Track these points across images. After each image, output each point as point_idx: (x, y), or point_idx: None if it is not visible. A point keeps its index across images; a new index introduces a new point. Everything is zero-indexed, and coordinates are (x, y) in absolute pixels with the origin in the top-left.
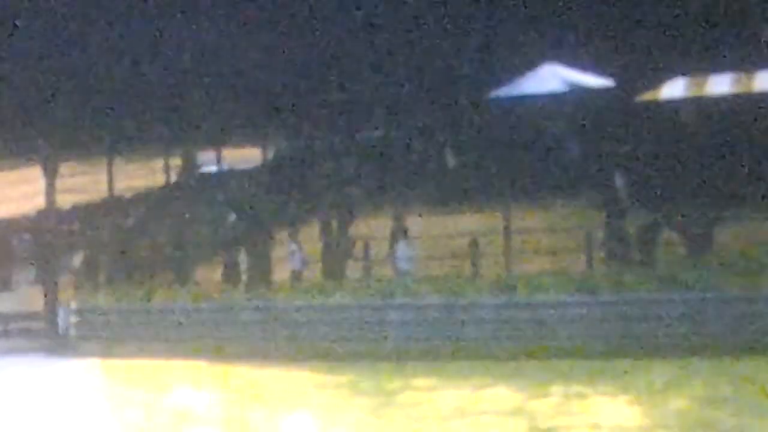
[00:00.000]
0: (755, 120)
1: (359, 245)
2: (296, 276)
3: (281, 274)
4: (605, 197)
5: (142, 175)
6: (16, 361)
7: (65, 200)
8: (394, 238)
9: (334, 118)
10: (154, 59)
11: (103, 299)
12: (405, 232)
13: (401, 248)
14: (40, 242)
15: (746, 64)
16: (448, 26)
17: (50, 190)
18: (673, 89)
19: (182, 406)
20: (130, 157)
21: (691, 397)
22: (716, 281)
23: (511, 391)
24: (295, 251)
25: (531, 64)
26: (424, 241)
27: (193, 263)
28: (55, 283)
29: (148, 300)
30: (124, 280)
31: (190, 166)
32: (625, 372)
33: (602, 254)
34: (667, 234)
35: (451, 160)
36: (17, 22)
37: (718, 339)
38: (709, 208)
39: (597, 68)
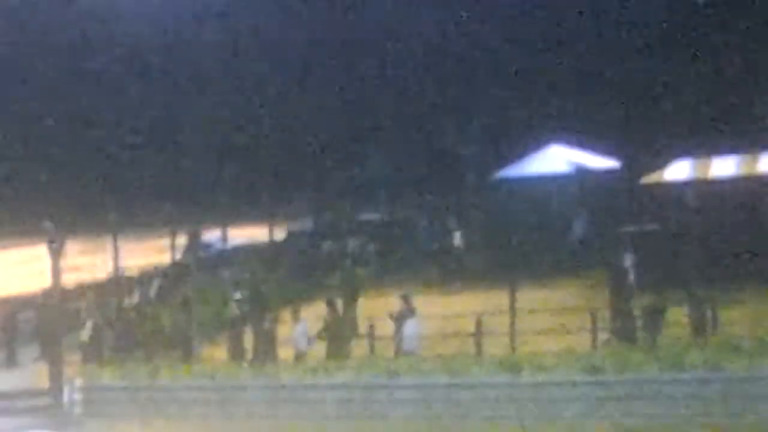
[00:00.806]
0: (759, 201)
1: (364, 324)
2: (301, 354)
3: (286, 352)
4: (610, 277)
5: (147, 253)
6: None
7: (71, 279)
8: (399, 317)
9: (339, 197)
10: (160, 138)
11: (108, 376)
12: (411, 311)
13: (407, 327)
14: (45, 320)
15: (750, 147)
16: (455, 107)
17: (56, 269)
18: (678, 171)
19: None
20: (136, 236)
21: None
22: (721, 361)
23: None
24: (300, 330)
25: (537, 146)
26: (430, 320)
27: (198, 341)
28: (61, 361)
29: (153, 377)
30: (129, 357)
31: (195, 244)
32: None
33: (607, 334)
34: (672, 314)
35: (456, 240)
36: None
37: (722, 420)
38: (714, 289)
39: (603, 150)
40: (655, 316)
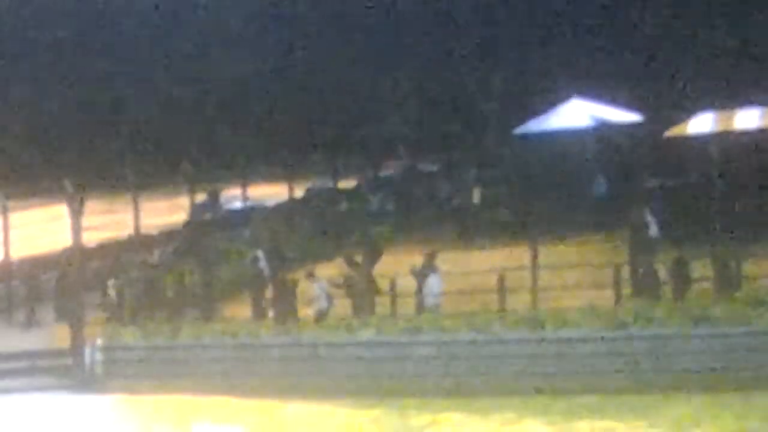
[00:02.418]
0: None
1: (386, 281)
2: (322, 312)
3: (308, 310)
4: (633, 232)
5: (167, 212)
6: (43, 398)
7: (91, 238)
8: (421, 274)
9: (358, 155)
10: (181, 97)
11: (129, 336)
12: (433, 267)
13: (429, 284)
14: (65, 280)
15: None
16: (475, 63)
17: (76, 228)
18: (701, 123)
19: None
20: (156, 195)
21: (721, 431)
22: (746, 315)
23: (538, 426)
24: (321, 288)
25: (558, 99)
26: (451, 276)
27: (219, 300)
28: (81, 321)
29: (175, 337)
30: (150, 317)
31: (215, 203)
32: (655, 406)
33: (630, 290)
34: (696, 269)
35: (477, 196)
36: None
37: (747, 373)
38: (738, 243)
39: (624, 103)
40: (682, 269)
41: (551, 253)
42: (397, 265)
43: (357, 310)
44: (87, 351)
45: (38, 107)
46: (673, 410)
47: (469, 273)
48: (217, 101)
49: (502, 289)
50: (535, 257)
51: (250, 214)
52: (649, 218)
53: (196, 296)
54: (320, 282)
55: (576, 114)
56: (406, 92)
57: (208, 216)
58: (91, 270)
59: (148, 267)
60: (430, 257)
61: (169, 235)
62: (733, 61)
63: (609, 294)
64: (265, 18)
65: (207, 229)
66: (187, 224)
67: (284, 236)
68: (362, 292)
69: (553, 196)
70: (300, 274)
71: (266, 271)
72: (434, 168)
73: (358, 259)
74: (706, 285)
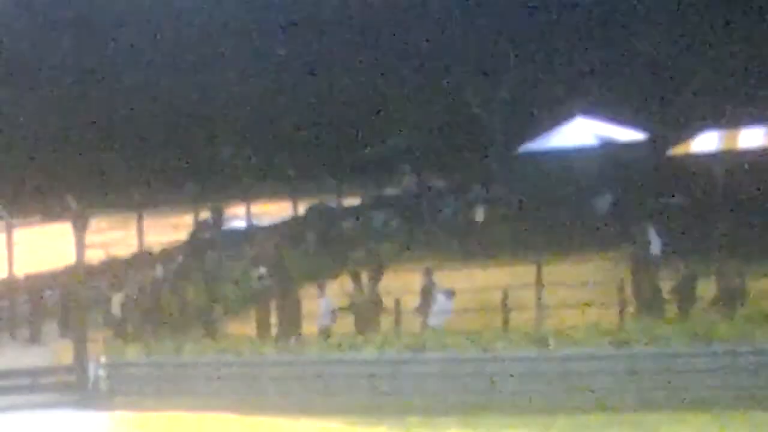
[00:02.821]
0: None
1: (390, 299)
2: (326, 330)
3: (311, 327)
4: (637, 251)
5: (171, 230)
6: (47, 415)
7: (95, 255)
8: (425, 292)
9: (362, 172)
10: (185, 114)
11: (132, 353)
12: (436, 286)
13: (432, 302)
14: (69, 297)
15: None
16: (479, 80)
17: (80, 245)
18: (706, 143)
19: None
20: (160, 213)
21: None
22: (751, 333)
23: None
24: (325, 305)
25: (562, 118)
26: (456, 294)
27: (222, 317)
28: (85, 337)
29: (178, 354)
30: (154, 333)
31: (218, 220)
32: (659, 425)
33: (634, 308)
34: (700, 287)
35: (481, 214)
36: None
37: (751, 392)
38: (742, 261)
39: (629, 122)
40: (687, 287)
41: (555, 270)
42: (401, 283)
43: (361, 327)
44: (91, 368)
45: (43, 124)
46: (677, 429)
47: (473, 291)
48: (221, 119)
49: (506, 306)
50: (539, 275)
51: (254, 231)
52: (653, 236)
53: (199, 313)
54: (325, 299)
55: (580, 132)
56: (410, 110)
57: (208, 234)
58: (95, 287)
59: (151, 284)
60: (428, 274)
61: (172, 252)
62: (739, 79)
63: (613, 312)
64: (269, 34)
65: (211, 246)
66: (195, 242)
67: (288, 254)
68: (367, 310)
69: (557, 214)
70: (304, 292)
71: (270, 289)
72: (438, 186)
73: (363, 276)
74: (711, 304)
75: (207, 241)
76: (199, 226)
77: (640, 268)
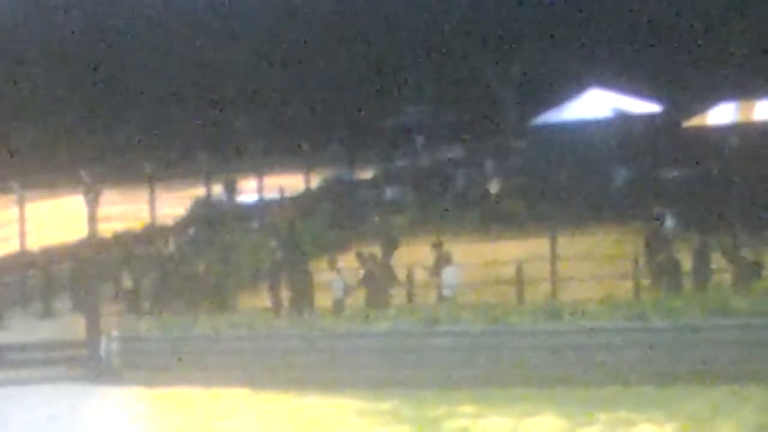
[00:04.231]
0: None
1: (403, 272)
2: (339, 303)
3: (324, 300)
4: (652, 223)
5: (183, 202)
6: (59, 389)
7: (107, 228)
8: (438, 265)
9: (376, 145)
10: (197, 87)
11: (145, 327)
12: (449, 258)
13: (445, 275)
14: (81, 270)
15: None
16: (493, 53)
17: (92, 219)
18: (721, 114)
19: None
20: (172, 185)
21: (740, 424)
22: (765, 306)
23: (556, 418)
24: (338, 279)
25: (577, 90)
26: (469, 267)
27: (235, 291)
28: (97, 311)
29: (191, 327)
30: (167, 307)
31: (231, 192)
32: (674, 398)
33: (650, 281)
34: (715, 260)
35: (495, 186)
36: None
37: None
38: (757, 234)
39: (643, 93)
40: (702, 260)
41: (570, 244)
42: (414, 256)
43: (374, 301)
44: (103, 342)
45: (55, 99)
46: (692, 402)
47: (487, 264)
48: (233, 92)
49: (520, 280)
50: (553, 248)
51: (266, 204)
52: (668, 209)
53: (212, 287)
54: (338, 272)
55: (594, 104)
56: (423, 82)
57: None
58: (108, 261)
59: (164, 258)
60: (438, 247)
61: (185, 225)
62: (754, 51)
63: (628, 285)
64: (284, 9)
65: (223, 218)
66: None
67: (301, 227)
68: (379, 283)
69: (571, 186)
70: (316, 265)
71: (282, 262)
72: (451, 158)
73: (375, 250)
74: (726, 275)
75: (219, 214)
76: (211, 198)
77: (654, 241)
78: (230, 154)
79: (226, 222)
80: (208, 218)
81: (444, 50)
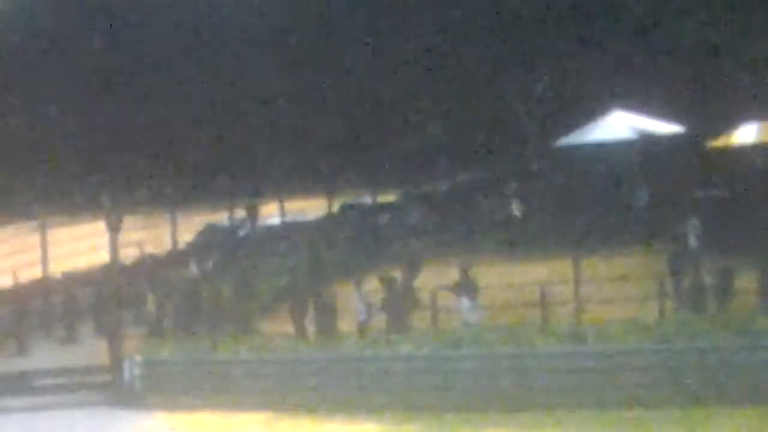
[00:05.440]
0: None
1: (426, 295)
2: (362, 326)
3: (347, 324)
4: (676, 245)
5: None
6: (83, 414)
7: (129, 254)
8: (461, 288)
9: (398, 168)
10: (218, 111)
11: (168, 351)
12: (473, 281)
13: (467, 298)
14: (104, 295)
15: None
16: (516, 74)
17: (114, 244)
18: (745, 135)
19: None
20: (193, 210)
21: None
22: None
23: None
24: (360, 302)
25: (599, 111)
26: (493, 290)
27: (258, 315)
28: (120, 336)
29: (213, 352)
30: (189, 332)
31: (253, 217)
32: (699, 421)
33: (674, 303)
34: (739, 281)
35: (518, 209)
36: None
37: None
38: None
39: (667, 114)
40: (726, 281)
41: (593, 266)
42: (437, 279)
43: (396, 324)
44: (126, 366)
45: (76, 124)
46: (718, 424)
47: (510, 286)
48: (255, 116)
49: (544, 302)
50: (577, 270)
51: (288, 228)
52: (692, 230)
53: (234, 311)
54: (361, 295)
55: (617, 126)
56: (446, 105)
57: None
58: (130, 286)
59: (186, 282)
60: (464, 272)
61: (207, 249)
62: None
63: (652, 307)
64: (303, 31)
65: (245, 243)
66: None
67: (323, 250)
68: (402, 307)
69: (595, 208)
70: (339, 289)
71: (305, 286)
72: (474, 181)
73: (398, 274)
74: (751, 297)
75: (242, 239)
76: (233, 223)
77: (678, 262)
78: (252, 178)
79: (249, 246)
80: (230, 243)
81: (467, 72)
